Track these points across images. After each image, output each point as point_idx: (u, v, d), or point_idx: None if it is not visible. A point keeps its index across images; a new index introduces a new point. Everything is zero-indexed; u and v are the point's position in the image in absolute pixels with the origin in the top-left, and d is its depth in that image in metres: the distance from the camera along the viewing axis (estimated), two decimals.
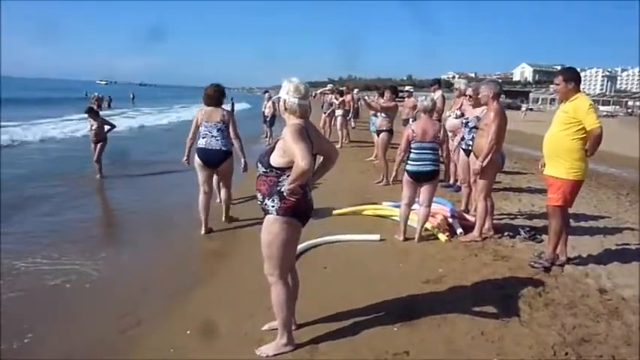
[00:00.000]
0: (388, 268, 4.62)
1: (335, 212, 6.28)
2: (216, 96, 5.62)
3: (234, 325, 3.45)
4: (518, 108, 48.64)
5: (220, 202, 6.17)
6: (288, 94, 2.86)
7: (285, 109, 2.87)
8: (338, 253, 5.01)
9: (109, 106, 34.42)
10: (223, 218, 6.12)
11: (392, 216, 6.10)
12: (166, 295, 4.10)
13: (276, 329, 3.10)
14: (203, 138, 5.52)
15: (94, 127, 9.38)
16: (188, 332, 3.37)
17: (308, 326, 3.34)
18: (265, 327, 3.31)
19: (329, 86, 16.25)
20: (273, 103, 14.77)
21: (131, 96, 49.13)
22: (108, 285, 4.38)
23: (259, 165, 2.87)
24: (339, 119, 13.95)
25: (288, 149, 2.70)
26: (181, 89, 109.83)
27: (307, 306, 3.40)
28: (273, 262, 2.91)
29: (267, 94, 15.87)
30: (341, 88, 15.97)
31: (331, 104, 14.32)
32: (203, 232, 5.68)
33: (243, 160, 5.68)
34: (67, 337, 3.42)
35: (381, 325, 3.39)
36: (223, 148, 5.52)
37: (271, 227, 2.85)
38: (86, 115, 9.78)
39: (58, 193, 7.94)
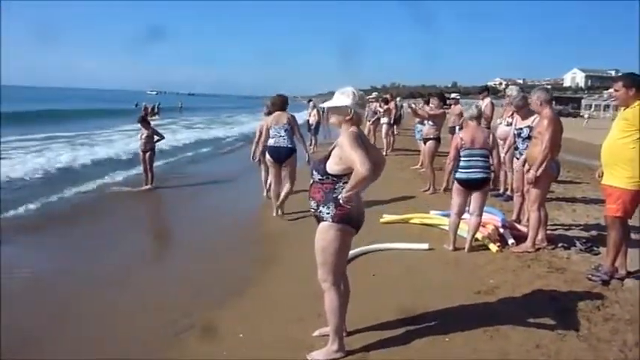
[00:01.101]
0: (437, 277, 4.57)
1: (382, 220, 6.27)
2: (281, 103, 6.83)
3: (284, 329, 3.51)
4: (570, 115, 46.77)
5: (267, 194, 7.65)
6: (355, 102, 2.90)
7: (351, 117, 2.89)
8: (386, 260, 5.00)
9: (157, 114, 35.48)
10: (274, 213, 6.85)
11: (440, 225, 6.02)
12: (219, 298, 4.21)
13: (327, 335, 3.13)
14: (272, 138, 6.65)
15: (144, 136, 9.59)
16: (241, 335, 3.45)
17: (358, 333, 3.34)
18: (316, 333, 3.34)
19: (374, 94, 16.26)
20: (318, 111, 14.96)
21: (179, 105, 50.63)
22: (161, 287, 4.55)
23: (315, 172, 2.91)
24: (384, 127, 13.91)
25: (346, 156, 2.75)
26: (228, 98, 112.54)
27: (357, 313, 3.41)
28: (327, 268, 2.95)
29: (311, 103, 16.04)
30: (385, 96, 15.95)
31: (375, 112, 14.31)
32: (275, 214, 6.83)
33: (307, 155, 6.73)
34: (123, 339, 3.56)
35: (433, 335, 3.35)
36: (289, 146, 6.62)
37: (326, 234, 2.89)
38: (139, 125, 10.18)
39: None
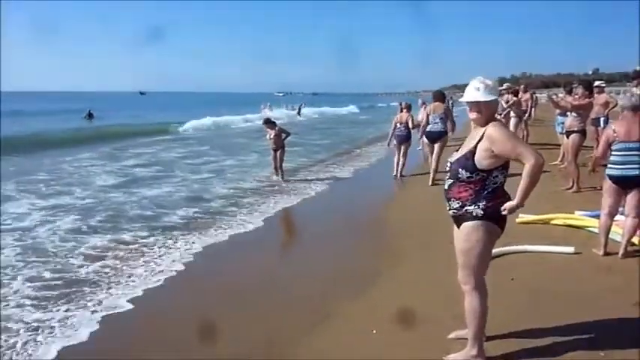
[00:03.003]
0: (586, 285, 4.15)
1: (518, 220, 5.86)
2: (440, 96, 9.70)
3: (417, 328, 3.45)
4: None
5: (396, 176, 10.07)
6: (496, 94, 2.81)
7: (492, 108, 2.79)
8: (525, 264, 4.67)
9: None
10: (430, 182, 8.72)
11: (587, 227, 5.47)
12: (351, 292, 4.27)
13: (463, 339, 3.01)
14: (429, 125, 9.15)
15: (271, 137, 10.19)
16: (374, 331, 3.47)
17: (498, 339, 3.17)
18: (452, 335, 3.23)
19: (505, 85, 15.26)
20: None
21: (299, 106, 51.08)
22: (295, 281, 4.76)
23: (461, 171, 2.74)
24: (512, 121, 12.93)
25: (505, 150, 2.64)
26: (348, 97, 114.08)
27: (496, 318, 3.22)
28: (470, 270, 2.83)
29: (420, 100, 15.63)
30: (514, 87, 14.81)
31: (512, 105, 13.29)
32: (430, 184, 8.77)
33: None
34: (259, 332, 3.76)
35: (584, 350, 3.05)
36: (443, 130, 9.08)
37: (472, 234, 2.76)
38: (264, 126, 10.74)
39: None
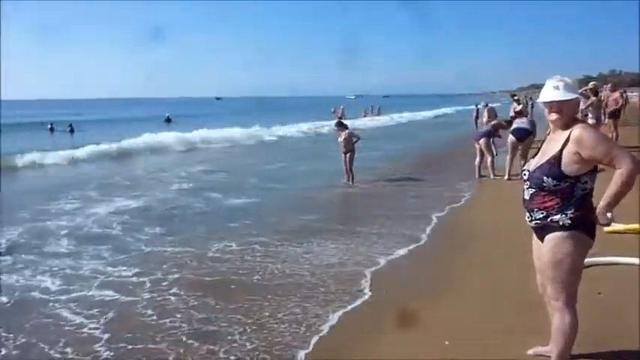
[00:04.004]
0: None
1: (607, 230, 5.41)
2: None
3: (492, 341, 3.32)
4: None
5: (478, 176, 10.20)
6: (577, 92, 2.64)
7: (573, 108, 2.60)
8: (614, 277, 4.33)
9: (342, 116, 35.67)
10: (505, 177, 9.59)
11: None
12: (428, 299, 4.17)
13: (544, 356, 2.84)
14: (515, 124, 9.92)
15: (342, 139, 10.29)
16: (447, 343, 3.36)
17: (583, 359, 2.94)
18: (530, 351, 3.05)
19: (591, 84, 14.28)
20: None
21: (376, 108, 49.47)
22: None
23: (546, 179, 2.53)
24: (589, 122, 12.02)
25: (591, 153, 2.45)
26: (423, 98, 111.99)
27: (581, 335, 3.00)
28: (561, 285, 2.61)
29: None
30: (588, 86, 13.75)
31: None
32: (506, 177, 9.75)
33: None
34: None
35: None
36: (529, 129, 9.63)
37: (560, 246, 2.56)
38: (336, 128, 10.86)
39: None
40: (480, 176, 10.25)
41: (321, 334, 3.71)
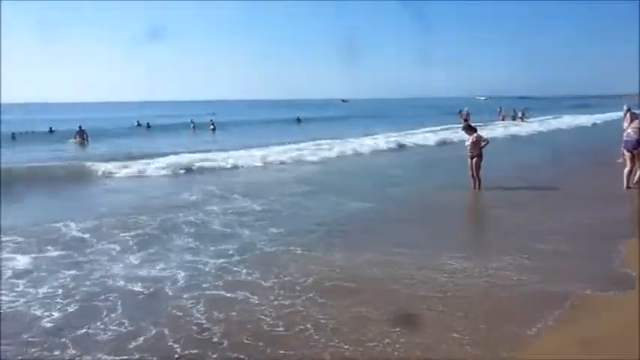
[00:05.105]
0: None
1: None
2: None
3: None
4: None
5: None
6: None
7: None
8: None
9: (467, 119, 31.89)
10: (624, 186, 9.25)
11: None
12: (550, 316, 4.08)
13: None
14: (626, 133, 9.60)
15: (468, 143, 9.84)
16: None
17: None
18: None
19: None
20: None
21: (520, 111, 39.89)
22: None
23: None
24: None
25: None
26: (561, 100, 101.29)
27: None
28: None
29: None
30: None
31: None
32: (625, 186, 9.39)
33: None
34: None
35: None
36: (638, 138, 9.25)
37: None
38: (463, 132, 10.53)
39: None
40: (628, 187, 9.39)
41: None
